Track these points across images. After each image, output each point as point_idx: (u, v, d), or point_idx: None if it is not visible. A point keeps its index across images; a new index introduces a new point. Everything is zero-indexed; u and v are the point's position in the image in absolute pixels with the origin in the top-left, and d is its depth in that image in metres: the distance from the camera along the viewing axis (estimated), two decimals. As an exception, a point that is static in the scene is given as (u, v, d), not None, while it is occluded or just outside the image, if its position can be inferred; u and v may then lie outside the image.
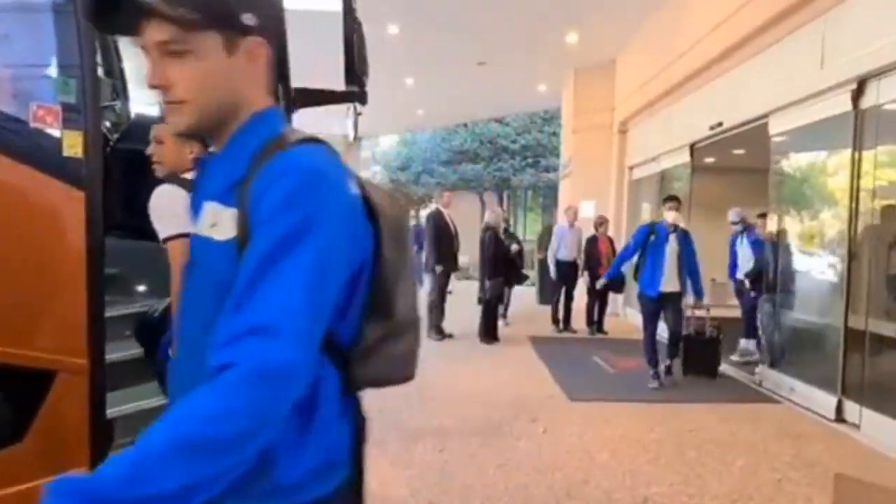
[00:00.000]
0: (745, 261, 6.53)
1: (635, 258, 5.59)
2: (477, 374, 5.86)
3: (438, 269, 7.52)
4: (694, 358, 5.71)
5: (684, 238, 5.38)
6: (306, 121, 2.91)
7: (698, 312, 5.70)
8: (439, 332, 7.53)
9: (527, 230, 21.11)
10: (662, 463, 3.62)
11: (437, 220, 7.67)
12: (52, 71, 1.86)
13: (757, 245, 6.36)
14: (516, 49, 9.77)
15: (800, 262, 5.53)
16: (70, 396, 1.84)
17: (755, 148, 6.41)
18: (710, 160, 8.27)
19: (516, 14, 8.37)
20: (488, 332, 7.33)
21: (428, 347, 7.13)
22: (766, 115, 5.66)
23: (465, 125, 19.59)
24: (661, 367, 5.43)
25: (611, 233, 8.43)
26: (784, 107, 5.36)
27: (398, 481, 3.31)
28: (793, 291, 5.54)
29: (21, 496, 1.75)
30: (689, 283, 5.38)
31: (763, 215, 6.21)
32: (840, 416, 4.47)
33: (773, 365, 5.57)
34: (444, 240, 7.61)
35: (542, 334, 7.89)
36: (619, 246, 7.94)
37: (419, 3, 8.23)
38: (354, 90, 2.88)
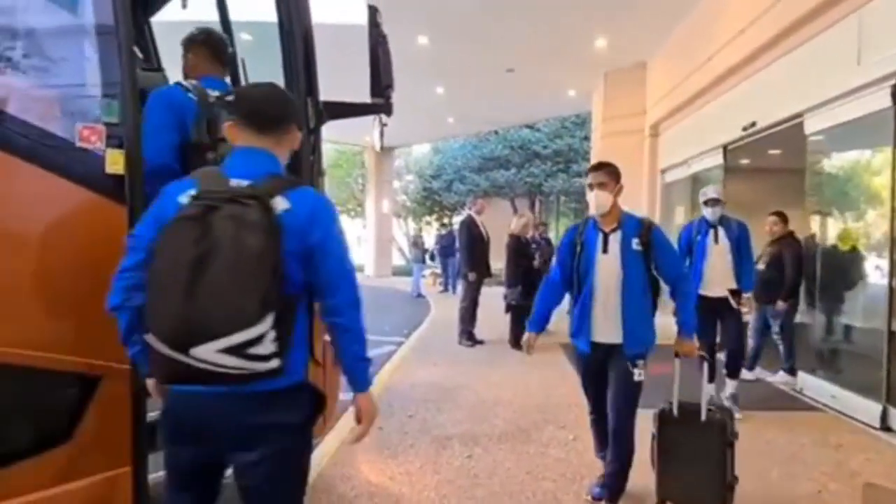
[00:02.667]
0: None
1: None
2: (506, 380, 5.86)
3: (471, 276, 7.55)
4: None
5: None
6: (339, 131, 3.04)
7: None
8: (470, 339, 7.56)
9: (559, 235, 20.94)
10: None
11: (470, 228, 7.71)
12: (96, 92, 1.98)
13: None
14: (545, 56, 9.79)
15: (840, 264, 5.36)
16: (113, 400, 1.95)
17: (791, 148, 6.25)
18: (745, 162, 8.10)
19: (544, 22, 8.40)
20: (518, 339, 7.31)
21: (459, 353, 7.20)
22: (800, 115, 5.53)
23: (496, 132, 19.63)
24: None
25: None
26: (819, 105, 5.22)
27: (427, 486, 3.35)
28: (833, 295, 5.37)
29: (70, 493, 1.87)
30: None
31: (777, 213, 5.76)
32: (885, 425, 4.30)
33: (791, 371, 5.40)
34: (476, 247, 7.65)
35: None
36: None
37: (447, 13, 8.35)
38: (380, 102, 2.98)
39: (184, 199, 1.50)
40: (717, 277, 4.52)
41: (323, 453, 3.76)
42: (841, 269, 5.33)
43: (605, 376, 2.90)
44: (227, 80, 2.76)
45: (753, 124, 6.42)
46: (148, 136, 2.03)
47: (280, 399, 1.54)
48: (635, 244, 2.78)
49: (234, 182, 1.53)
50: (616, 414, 2.84)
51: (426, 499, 3.21)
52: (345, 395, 3.63)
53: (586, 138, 15.98)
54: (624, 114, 10.26)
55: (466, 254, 7.72)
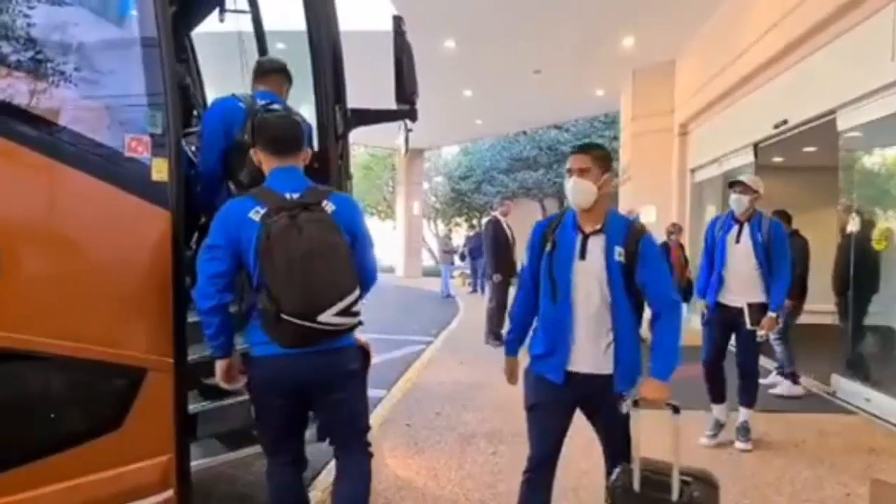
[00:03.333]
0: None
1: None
2: (534, 380, 5.89)
3: (496, 277, 7.62)
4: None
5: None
6: (369, 135, 3.17)
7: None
8: (497, 338, 7.61)
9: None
10: (718, 472, 3.49)
11: (496, 230, 7.78)
12: (142, 104, 2.13)
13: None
14: (572, 56, 9.79)
15: (875, 263, 5.24)
16: (158, 392, 2.10)
17: (826, 145, 6.13)
18: (777, 159, 7.95)
19: (570, 22, 8.42)
20: None
21: (486, 352, 7.25)
22: (833, 111, 5.43)
23: (525, 133, 19.61)
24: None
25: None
26: (852, 101, 5.13)
27: (451, 480, 3.44)
28: (867, 296, 5.26)
29: (119, 477, 2.02)
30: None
31: (779, 212, 5.12)
32: (921, 429, 4.21)
33: (793, 378, 5.21)
34: (501, 248, 7.71)
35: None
36: (690, 254, 7.74)
37: (474, 17, 8.43)
38: (405, 108, 3.08)
39: (254, 215, 1.96)
40: (739, 285, 3.82)
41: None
42: (876, 269, 5.22)
43: (569, 416, 2.29)
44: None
45: (785, 122, 6.33)
46: (202, 141, 2.59)
47: (350, 353, 2.18)
48: (618, 254, 2.16)
49: (287, 195, 2.01)
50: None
51: (450, 493, 3.30)
52: (372, 391, 3.76)
53: (615, 138, 15.83)
54: (653, 112, 10.17)
55: (491, 255, 7.79)
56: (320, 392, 2.13)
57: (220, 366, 2.13)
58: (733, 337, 3.95)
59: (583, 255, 2.20)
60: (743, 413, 3.96)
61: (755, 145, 7.17)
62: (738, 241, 3.83)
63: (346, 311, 1.94)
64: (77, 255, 1.95)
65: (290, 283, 1.88)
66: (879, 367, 5.04)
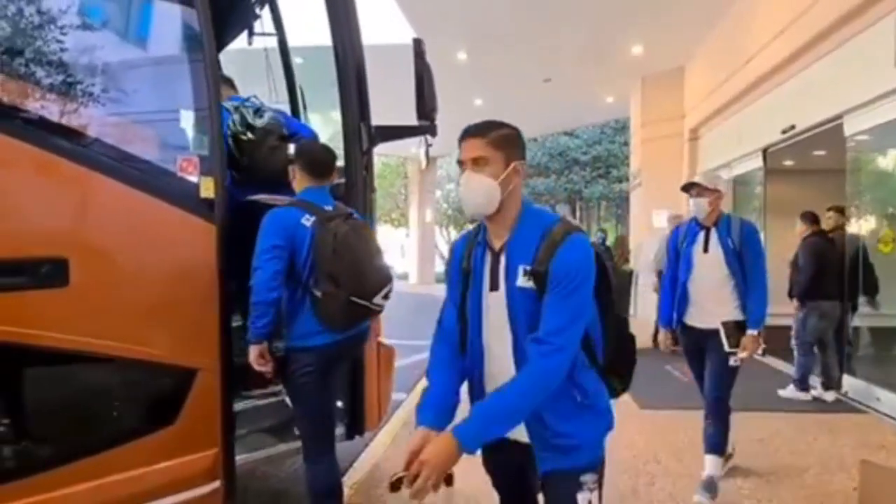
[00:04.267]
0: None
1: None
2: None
3: None
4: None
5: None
6: (391, 144, 3.37)
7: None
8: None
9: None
10: (732, 469, 3.64)
11: None
12: (190, 127, 2.34)
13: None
14: (581, 64, 9.95)
15: (883, 265, 5.33)
16: (207, 391, 2.29)
17: (833, 149, 6.23)
18: (788, 163, 8.05)
19: (579, 31, 8.59)
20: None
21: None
22: (839, 116, 5.54)
23: (535, 139, 19.77)
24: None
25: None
26: (858, 106, 5.24)
27: (480, 480, 3.58)
28: (876, 296, 5.35)
29: (171, 468, 2.21)
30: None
31: (804, 214, 5.45)
32: (931, 426, 4.29)
33: (802, 384, 5.27)
34: None
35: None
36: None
37: (484, 29, 8.64)
38: (426, 124, 3.27)
39: (306, 221, 2.36)
40: (708, 301, 3.19)
41: (377, 444, 4.07)
42: (884, 271, 5.31)
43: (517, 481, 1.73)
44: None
45: (792, 127, 6.43)
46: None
47: (366, 332, 2.73)
48: (522, 278, 1.48)
49: (325, 208, 2.44)
50: None
51: (479, 492, 3.43)
52: (397, 394, 3.93)
53: (626, 144, 15.95)
54: (663, 118, 10.30)
55: None
56: (344, 364, 2.72)
57: (258, 350, 2.34)
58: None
59: (494, 284, 1.54)
60: (709, 464, 3.24)
61: (764, 150, 7.28)
62: (705, 249, 3.19)
63: (386, 295, 2.48)
64: (136, 265, 2.15)
65: (357, 272, 2.37)
66: (889, 368, 5.12)
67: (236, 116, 3.02)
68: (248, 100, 3.17)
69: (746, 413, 4.11)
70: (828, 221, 5.57)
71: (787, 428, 4.45)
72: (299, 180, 2.50)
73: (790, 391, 5.35)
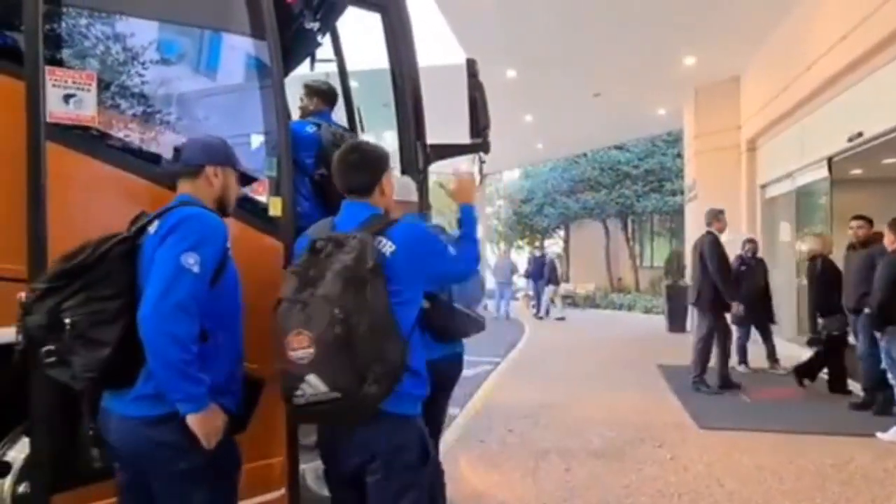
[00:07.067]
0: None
1: None
2: (602, 400, 5.93)
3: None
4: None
5: None
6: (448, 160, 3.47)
7: None
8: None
9: (654, 256, 20.34)
10: (800, 497, 3.46)
11: (718, 247, 6.16)
12: (261, 150, 2.49)
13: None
14: (631, 77, 9.86)
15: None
16: (273, 400, 2.39)
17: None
18: (855, 172, 7.70)
19: (629, 46, 8.54)
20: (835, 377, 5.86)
21: (554, 373, 7.34)
22: (911, 122, 5.29)
23: (585, 154, 19.58)
24: None
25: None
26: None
27: (527, 493, 3.58)
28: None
29: (245, 472, 2.32)
30: None
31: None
32: None
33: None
34: (728, 269, 6.29)
35: (671, 362, 7.70)
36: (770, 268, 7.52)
37: (533, 46, 8.72)
38: (479, 142, 3.35)
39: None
40: None
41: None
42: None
43: None
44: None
45: (860, 134, 6.17)
46: None
47: None
48: None
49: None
50: None
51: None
52: (452, 408, 3.96)
53: (679, 156, 15.58)
54: (717, 129, 10.04)
55: (722, 279, 6.02)
56: None
57: None
58: None
59: None
60: None
61: (829, 159, 6.99)
62: None
63: None
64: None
65: None
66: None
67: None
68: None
69: (826, 437, 3.90)
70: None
71: (865, 452, 4.17)
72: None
73: (892, 434, 4.48)
